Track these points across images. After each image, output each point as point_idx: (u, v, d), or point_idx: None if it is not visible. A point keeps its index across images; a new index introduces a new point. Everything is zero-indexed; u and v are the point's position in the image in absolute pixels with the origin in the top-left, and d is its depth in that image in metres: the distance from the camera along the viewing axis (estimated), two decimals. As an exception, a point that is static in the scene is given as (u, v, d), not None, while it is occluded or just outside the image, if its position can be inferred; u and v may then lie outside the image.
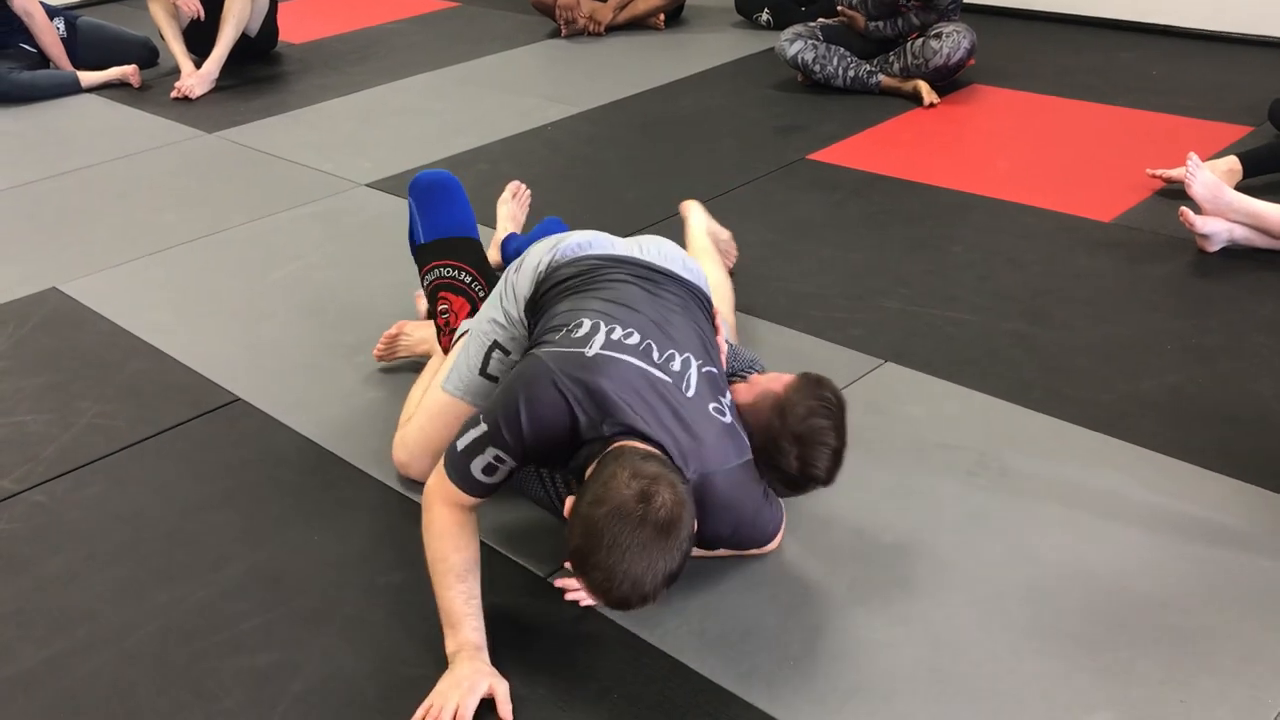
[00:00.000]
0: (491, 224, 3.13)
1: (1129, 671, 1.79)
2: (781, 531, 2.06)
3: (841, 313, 2.86)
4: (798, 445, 1.89)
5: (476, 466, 1.82)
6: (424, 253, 2.47)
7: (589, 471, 1.75)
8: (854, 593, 1.98)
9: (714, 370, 1.96)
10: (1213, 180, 2.98)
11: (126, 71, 5.07)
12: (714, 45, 5.20)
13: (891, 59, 4.34)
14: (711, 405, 1.88)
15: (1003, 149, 3.89)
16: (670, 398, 1.83)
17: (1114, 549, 2.04)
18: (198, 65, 5.00)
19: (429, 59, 5.22)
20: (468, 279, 2.40)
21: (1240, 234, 2.97)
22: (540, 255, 2.20)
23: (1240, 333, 2.68)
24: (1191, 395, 2.46)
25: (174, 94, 4.86)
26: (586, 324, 1.90)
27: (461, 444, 1.84)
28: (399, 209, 3.61)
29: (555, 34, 5.49)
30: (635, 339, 1.89)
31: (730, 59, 4.98)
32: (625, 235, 2.31)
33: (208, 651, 1.93)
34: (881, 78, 4.35)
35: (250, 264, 3.34)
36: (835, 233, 3.33)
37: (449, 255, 2.43)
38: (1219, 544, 2.04)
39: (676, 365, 1.89)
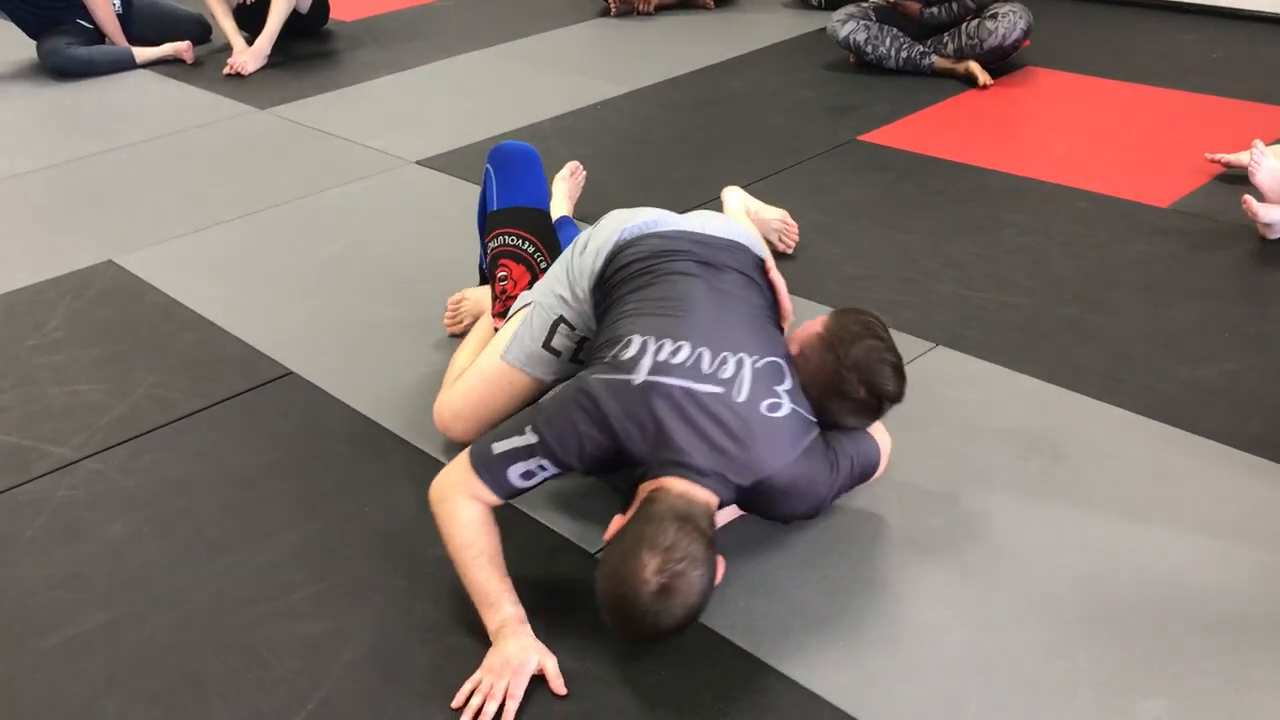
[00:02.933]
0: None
1: (1182, 660, 1.77)
2: (884, 462, 2.06)
3: (892, 295, 2.84)
4: (858, 371, 1.93)
5: (515, 472, 1.85)
6: (493, 219, 2.47)
7: (630, 511, 1.79)
8: (904, 575, 1.97)
9: (771, 360, 1.94)
10: (1277, 168, 2.92)
11: (180, 48, 5.12)
12: (764, 25, 5.16)
13: (945, 40, 4.29)
14: (766, 404, 1.87)
15: (1058, 132, 3.84)
16: (720, 413, 1.84)
17: (1169, 537, 2.02)
18: (249, 42, 5.03)
19: (479, 37, 5.22)
20: (531, 249, 2.41)
21: (1303, 222, 2.91)
22: (607, 235, 2.20)
23: (1301, 321, 2.63)
24: (1250, 384, 2.42)
25: (226, 70, 4.90)
26: (636, 343, 1.91)
27: (500, 447, 1.86)
28: (448, 187, 3.63)
29: (605, 12, 5.47)
30: (684, 353, 1.89)
31: (781, 39, 4.95)
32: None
33: (261, 619, 1.96)
34: (934, 59, 4.30)
35: (301, 239, 3.36)
36: (886, 214, 3.30)
37: (517, 224, 2.43)
38: (1276, 534, 2.01)
39: (729, 369, 1.89)
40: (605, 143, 3.98)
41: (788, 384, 1.93)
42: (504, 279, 2.39)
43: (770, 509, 1.95)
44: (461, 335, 2.64)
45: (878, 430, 2.07)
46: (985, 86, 4.19)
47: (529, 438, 1.84)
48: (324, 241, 3.34)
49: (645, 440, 1.82)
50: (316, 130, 4.24)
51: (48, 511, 2.25)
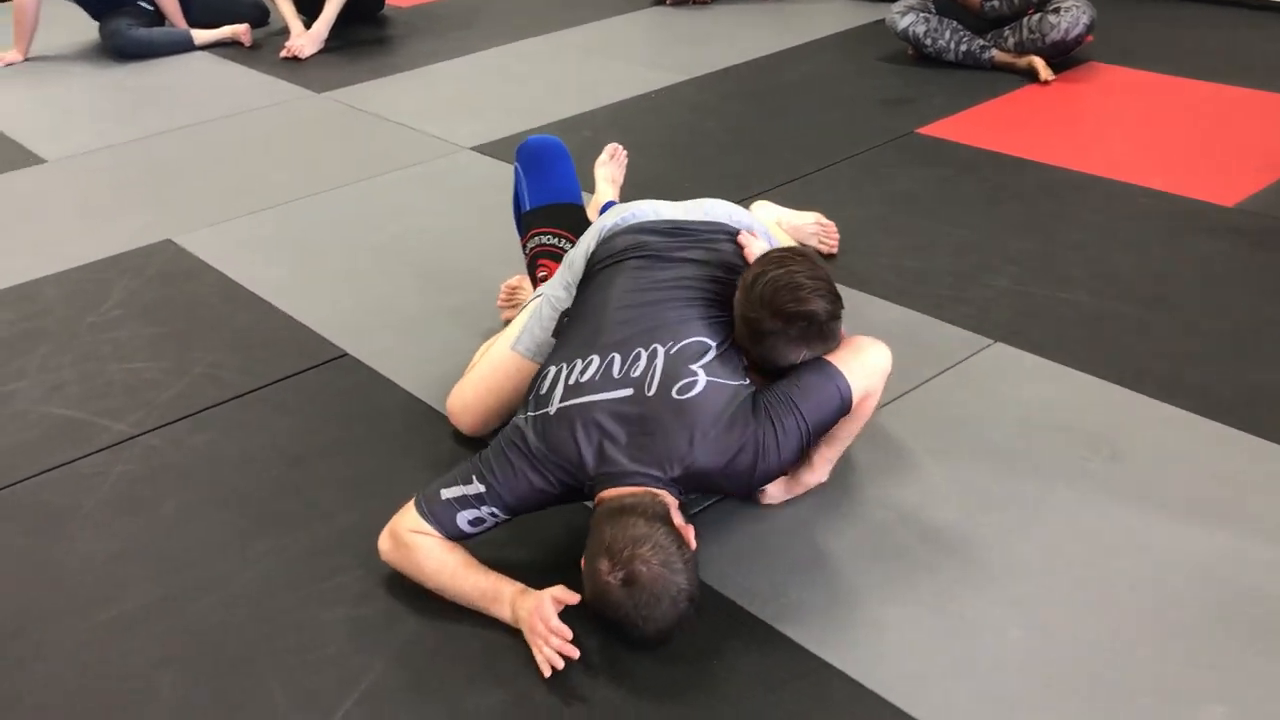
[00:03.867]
0: (592, 189, 3.12)
1: (1244, 667, 1.73)
2: (870, 379, 1.97)
3: (949, 290, 2.80)
4: (765, 305, 1.89)
5: (464, 518, 1.89)
6: (528, 219, 2.49)
7: (589, 535, 1.79)
8: (959, 571, 1.95)
9: (691, 340, 1.93)
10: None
11: (238, 30, 5.16)
12: (822, 16, 5.12)
13: (1006, 33, 4.23)
14: (678, 386, 1.87)
15: (1120, 129, 3.78)
16: (631, 413, 1.85)
17: (1231, 541, 1.98)
18: (307, 26, 5.07)
19: (534, 24, 5.22)
20: (568, 246, 2.41)
21: (1374, 223, 2.84)
22: (592, 233, 2.24)
23: (1371, 325, 2.57)
24: (1317, 387, 2.37)
25: (283, 53, 4.94)
26: (550, 374, 1.95)
27: (448, 494, 1.89)
28: (503, 173, 3.62)
29: (660, 1, 5.45)
30: (594, 367, 1.92)
31: (838, 30, 4.91)
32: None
33: (312, 598, 1.97)
34: (995, 53, 4.25)
35: (357, 223, 3.38)
36: (944, 209, 3.26)
37: (551, 223, 2.44)
38: (1344, 542, 1.96)
39: (640, 365, 1.90)
40: (659, 132, 3.97)
41: (708, 358, 1.91)
42: (544, 279, 2.39)
43: (720, 486, 1.92)
44: (492, 326, 2.66)
45: (849, 350, 1.98)
46: (1047, 81, 4.12)
47: (476, 486, 1.88)
48: (379, 225, 3.35)
49: (574, 465, 1.85)
50: (372, 114, 4.26)
51: (106, 486, 2.28)
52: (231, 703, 1.78)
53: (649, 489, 1.81)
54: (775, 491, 2.10)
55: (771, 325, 1.90)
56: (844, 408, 1.95)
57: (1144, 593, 1.88)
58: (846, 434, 2.06)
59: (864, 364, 1.98)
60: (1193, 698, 1.69)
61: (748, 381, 1.93)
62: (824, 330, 1.93)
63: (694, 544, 1.77)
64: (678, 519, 1.79)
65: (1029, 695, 1.71)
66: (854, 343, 2.01)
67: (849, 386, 1.93)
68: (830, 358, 1.96)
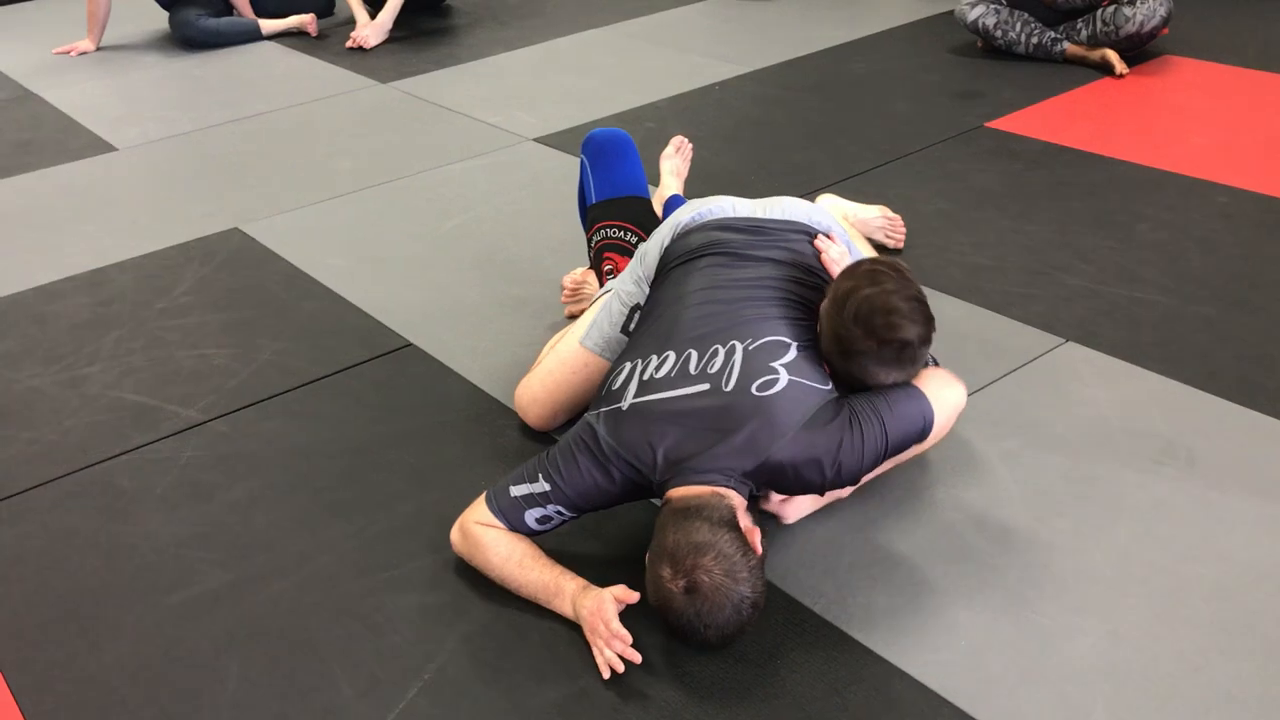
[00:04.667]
0: (657, 181, 3.11)
1: (1327, 681, 1.69)
2: (947, 415, 1.96)
3: (1020, 288, 2.76)
4: (859, 323, 1.86)
5: (532, 516, 1.90)
6: (594, 212, 2.48)
7: (654, 535, 1.77)
8: (1029, 576, 1.91)
9: (771, 338, 1.91)
10: None
11: (304, 20, 5.21)
12: (889, 7, 5.06)
13: (1079, 26, 4.15)
14: (758, 383, 1.84)
15: (1197, 124, 3.69)
16: (707, 408, 1.83)
17: (1312, 551, 1.93)
18: (372, 16, 5.10)
19: (599, 14, 5.22)
20: (634, 239, 2.40)
21: None
22: (669, 228, 2.22)
23: None
24: (1403, 393, 2.30)
25: (349, 44, 4.98)
26: (625, 370, 1.94)
27: (518, 491, 1.90)
28: (565, 164, 3.63)
29: (725, -8, 5.42)
30: (670, 363, 1.90)
31: (906, 22, 4.84)
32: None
33: (378, 587, 1.98)
34: (1067, 45, 4.17)
35: (422, 213, 3.40)
36: (1014, 204, 3.21)
37: (616, 215, 2.43)
38: None
39: (719, 361, 1.88)
40: (723, 124, 3.94)
41: (788, 357, 1.88)
42: (610, 272, 2.38)
43: (790, 485, 1.88)
44: (578, 316, 2.64)
45: (934, 380, 1.96)
46: (1121, 75, 4.04)
47: (542, 485, 1.88)
48: (443, 216, 3.36)
49: (644, 463, 1.83)
50: (436, 105, 4.27)
51: (175, 471, 2.31)
52: (297, 689, 1.79)
53: (716, 489, 1.79)
54: (803, 505, 2.06)
55: (865, 346, 1.87)
56: (924, 433, 1.92)
57: (1219, 602, 1.84)
58: (895, 460, 2.03)
59: (944, 399, 1.96)
60: (1272, 710, 1.65)
61: (831, 386, 1.90)
62: (916, 355, 1.91)
63: (760, 548, 1.74)
64: (744, 521, 1.76)
65: (1101, 704, 1.67)
66: (937, 375, 1.99)
67: (933, 415, 1.91)
68: (919, 383, 1.93)
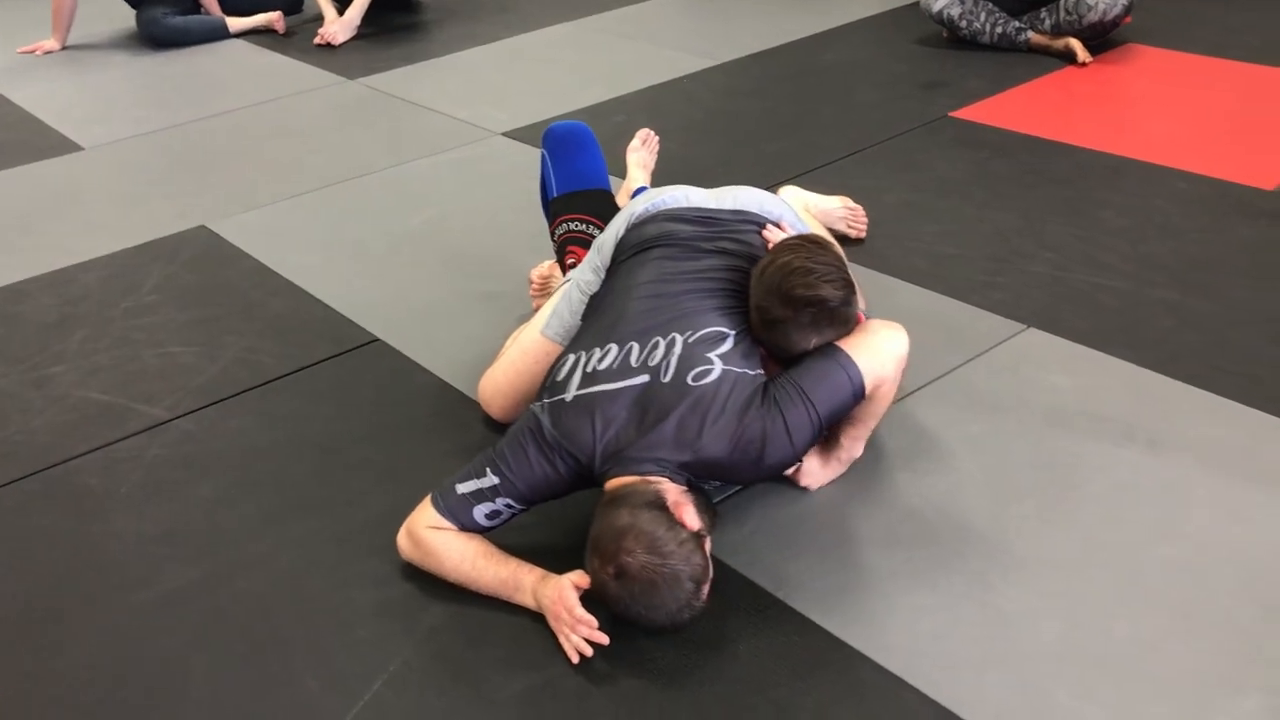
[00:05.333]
0: (624, 174, 3.12)
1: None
2: (887, 364, 1.93)
3: (983, 275, 2.78)
4: (774, 293, 1.89)
5: (480, 512, 1.90)
6: (556, 206, 2.49)
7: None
8: (993, 561, 1.93)
9: (710, 329, 1.93)
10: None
11: (272, 18, 5.19)
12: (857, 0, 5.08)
13: (1043, 15, 4.18)
14: (694, 373, 1.86)
15: (1159, 111, 3.72)
16: (646, 400, 1.86)
17: (1270, 530, 1.95)
18: (340, 12, 5.08)
19: (568, 8, 5.21)
20: (596, 232, 2.40)
21: None
22: (622, 217, 2.24)
23: None
24: (1359, 374, 2.33)
25: (317, 40, 4.96)
26: (569, 362, 1.96)
27: (464, 488, 1.90)
28: (534, 159, 3.58)
29: (693, -14, 5.42)
30: (612, 356, 1.92)
31: (873, 13, 4.86)
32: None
33: (346, 582, 1.98)
34: (1030, 35, 4.19)
35: (389, 209, 3.39)
36: (978, 193, 3.23)
37: (578, 209, 2.44)
38: (1385, 531, 1.93)
39: (659, 353, 1.90)
40: (693, 117, 3.95)
41: (725, 346, 1.91)
42: (573, 265, 2.39)
43: (726, 473, 1.91)
44: (524, 313, 2.66)
45: (861, 336, 1.94)
46: (1084, 64, 4.07)
47: (490, 479, 1.88)
48: (411, 211, 3.36)
49: (584, 453, 1.85)
50: (405, 101, 4.27)
51: (141, 469, 2.30)
52: (263, 683, 1.79)
53: (647, 477, 1.80)
54: (815, 473, 2.08)
55: (781, 312, 1.90)
56: (856, 395, 1.91)
57: (1180, 583, 1.86)
58: (869, 415, 2.03)
59: (876, 349, 1.93)
60: (1228, 688, 1.67)
61: (760, 371, 1.92)
62: (835, 315, 1.92)
63: (691, 522, 1.74)
64: (673, 497, 1.77)
65: (1064, 686, 1.69)
66: (868, 327, 1.98)
67: (859, 373, 1.90)
68: (842, 343, 1.93)
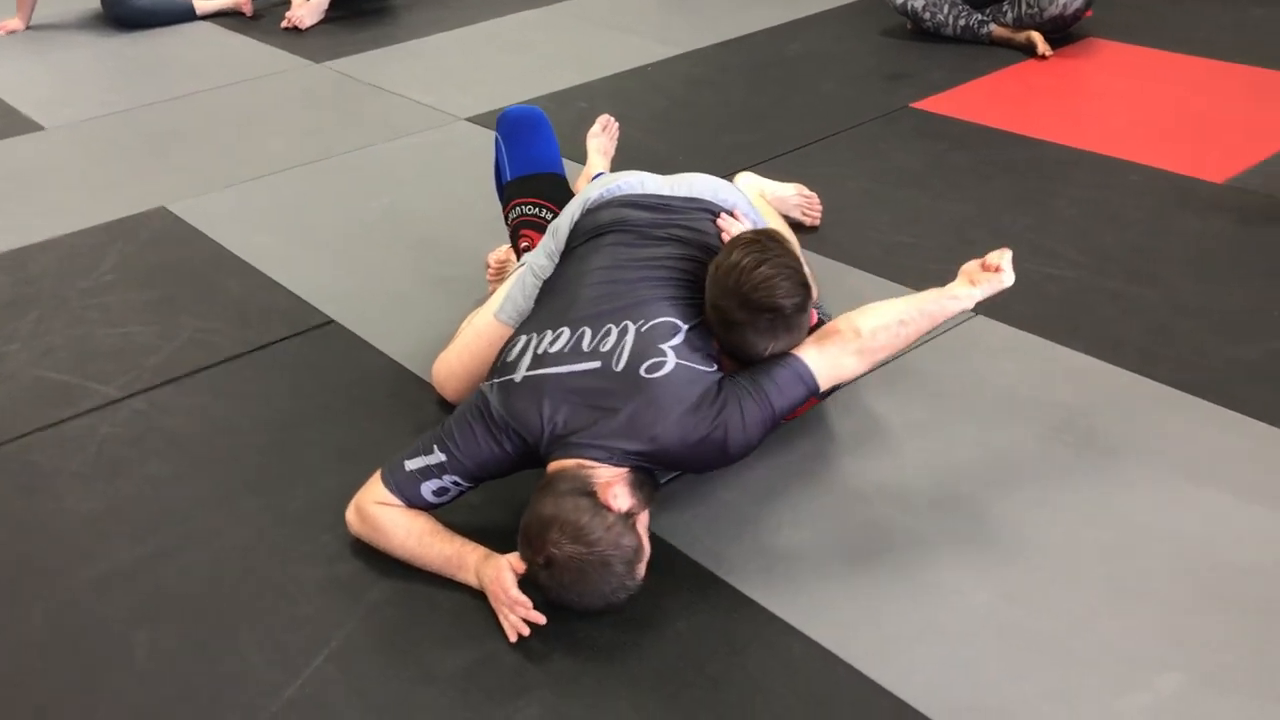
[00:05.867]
0: (578, 158, 3.14)
1: (1204, 637, 1.75)
2: (822, 378, 1.94)
3: (935, 264, 2.80)
4: (733, 295, 1.89)
5: (428, 489, 1.92)
6: (510, 190, 2.50)
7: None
8: (929, 540, 1.97)
9: (662, 320, 1.94)
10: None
11: (239, 0, 5.17)
12: (823, -10, 5.10)
13: (1005, 8, 4.21)
14: (646, 365, 1.88)
15: (1116, 104, 3.77)
16: (596, 386, 1.87)
17: (1202, 515, 1.99)
18: (309, -4, 5.07)
19: (536, -4, 5.22)
20: (549, 216, 2.42)
21: (1362, 200, 2.84)
22: (577, 202, 2.25)
23: (1354, 302, 2.57)
24: (1296, 363, 2.38)
25: (284, 24, 4.95)
26: (520, 343, 1.98)
27: (412, 464, 1.92)
28: (497, 143, 3.64)
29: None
30: (564, 340, 1.94)
31: (839, 5, 4.89)
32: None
33: (291, 559, 2.00)
34: (993, 27, 4.23)
35: (350, 192, 3.40)
36: (935, 183, 3.26)
37: (532, 193, 2.46)
38: (1313, 515, 1.97)
39: (611, 340, 1.92)
40: (656, 105, 3.97)
41: (678, 339, 1.92)
42: (526, 249, 2.41)
43: (678, 464, 1.94)
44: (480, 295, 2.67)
45: (822, 342, 1.96)
46: (1045, 57, 4.11)
47: (437, 455, 1.90)
48: (372, 195, 3.37)
49: (531, 433, 1.86)
50: (370, 85, 4.27)
51: (91, 447, 2.31)
52: (205, 658, 1.81)
53: (583, 460, 1.82)
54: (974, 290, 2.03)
55: (740, 315, 1.91)
56: (812, 393, 1.96)
57: (1112, 563, 1.90)
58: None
59: (833, 358, 1.95)
60: (1152, 665, 1.71)
61: (716, 368, 1.94)
62: (792, 323, 1.94)
63: (619, 505, 1.76)
64: (603, 480, 1.78)
65: (992, 661, 1.73)
66: (827, 331, 1.99)
67: (815, 379, 1.94)
68: (799, 349, 1.95)
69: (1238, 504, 2.01)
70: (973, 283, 2.02)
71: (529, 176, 2.47)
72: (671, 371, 1.88)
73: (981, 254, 2.77)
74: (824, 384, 1.96)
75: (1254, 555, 1.90)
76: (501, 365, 1.97)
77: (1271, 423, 2.20)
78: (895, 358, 2.24)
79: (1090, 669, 1.71)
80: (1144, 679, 1.69)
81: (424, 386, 2.44)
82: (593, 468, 1.82)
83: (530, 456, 1.91)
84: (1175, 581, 1.86)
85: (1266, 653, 1.72)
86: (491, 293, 2.72)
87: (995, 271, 2.00)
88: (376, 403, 2.42)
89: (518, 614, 1.78)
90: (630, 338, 1.92)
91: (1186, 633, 1.76)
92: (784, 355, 1.95)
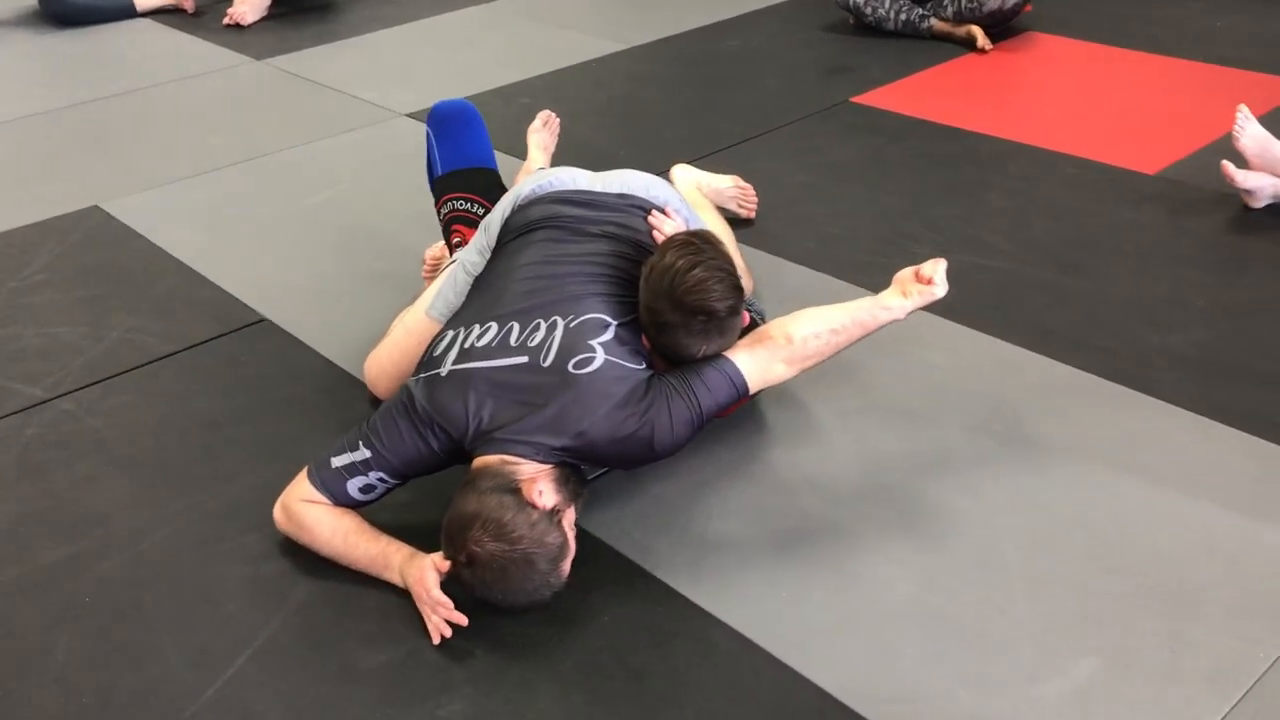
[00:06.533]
0: (516, 154, 3.13)
1: (1121, 620, 1.78)
2: (751, 380, 1.95)
3: (869, 256, 2.83)
4: (666, 297, 1.89)
5: (354, 486, 1.90)
6: (441, 185, 2.50)
7: None
8: (854, 531, 1.98)
9: (590, 316, 1.94)
10: (1262, 134, 2.89)
11: (181, -3, 5.11)
12: (767, -15, 5.12)
13: (945, 3, 4.24)
14: (574, 361, 1.87)
15: (1053, 98, 3.81)
16: (523, 382, 1.86)
17: (1121, 501, 2.02)
18: (252, -7, 5.02)
19: (480, -8, 5.20)
20: (481, 211, 2.42)
21: (1288, 190, 2.88)
22: (509, 199, 2.25)
23: (1275, 291, 2.61)
24: (1219, 352, 2.41)
25: (226, 21, 4.90)
26: (447, 337, 1.97)
27: (338, 462, 1.91)
28: (437, 139, 3.62)
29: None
30: (491, 334, 1.93)
31: (781, 0, 4.90)
32: (657, 174, 2.35)
33: (216, 559, 1.98)
34: (934, 22, 4.26)
35: (287, 189, 3.37)
36: (872, 176, 3.29)
37: (463, 188, 2.45)
38: (1229, 502, 2.00)
39: (539, 335, 1.91)
40: (598, 100, 3.97)
41: (606, 336, 1.92)
42: (459, 244, 2.40)
43: (605, 460, 1.95)
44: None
45: (747, 347, 1.97)
46: (984, 51, 4.15)
47: (363, 452, 1.89)
48: (309, 192, 3.34)
49: (456, 428, 1.86)
50: (311, 82, 4.24)
51: (15, 449, 2.28)
52: (125, 660, 1.79)
53: (507, 456, 1.82)
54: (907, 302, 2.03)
55: (673, 318, 1.91)
56: (740, 395, 1.96)
57: (1029, 551, 1.92)
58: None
59: (764, 369, 1.97)
60: (1070, 650, 1.73)
61: (644, 366, 1.94)
62: (724, 326, 1.95)
63: (544, 502, 1.76)
64: (526, 475, 1.79)
65: (911, 649, 1.74)
66: (759, 336, 1.99)
67: (744, 382, 1.95)
68: (730, 352, 1.96)
69: (1157, 491, 2.03)
70: (905, 294, 2.02)
71: (460, 171, 2.46)
72: (599, 368, 1.88)
73: (914, 248, 2.81)
74: (754, 387, 1.97)
75: (1170, 542, 1.93)
76: (428, 360, 1.96)
77: (1194, 410, 2.23)
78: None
79: (1008, 655, 1.73)
80: (1061, 664, 1.71)
81: (355, 384, 2.43)
82: (517, 464, 1.81)
83: (456, 453, 1.90)
84: (1092, 569, 1.88)
85: (1180, 637, 1.74)
86: (427, 279, 2.72)
87: (928, 284, 2.00)
88: (306, 401, 2.40)
89: (440, 614, 1.77)
90: (559, 333, 1.91)
91: (1104, 618, 1.78)
92: (715, 357, 1.95)
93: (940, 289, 2.00)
